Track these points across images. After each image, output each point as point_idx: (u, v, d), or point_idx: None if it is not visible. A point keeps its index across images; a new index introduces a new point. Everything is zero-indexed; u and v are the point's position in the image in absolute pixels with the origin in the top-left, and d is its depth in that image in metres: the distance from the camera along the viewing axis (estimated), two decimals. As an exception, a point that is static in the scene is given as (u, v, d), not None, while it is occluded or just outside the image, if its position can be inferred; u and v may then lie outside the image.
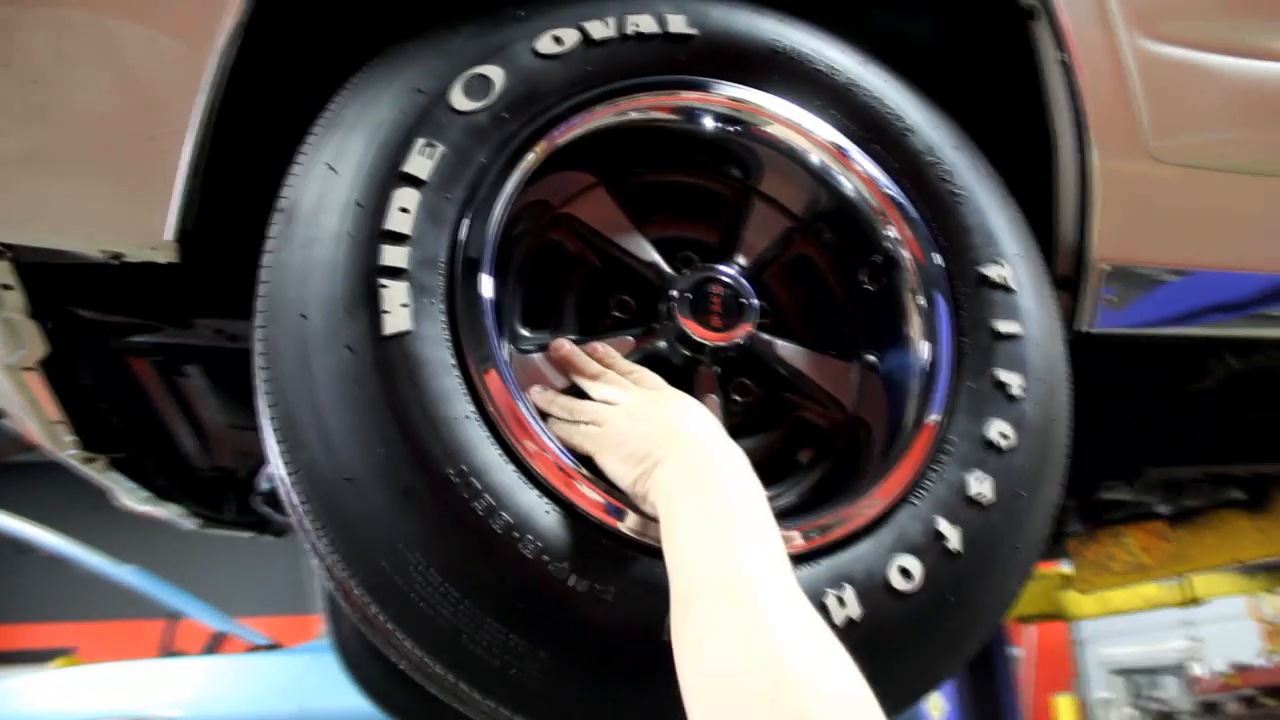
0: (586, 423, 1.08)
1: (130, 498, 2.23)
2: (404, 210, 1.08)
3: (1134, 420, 1.89)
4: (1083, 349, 1.60)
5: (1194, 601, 3.84)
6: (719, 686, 0.79)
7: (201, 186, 1.19)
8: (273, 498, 1.95)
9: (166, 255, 1.18)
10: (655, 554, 1.04)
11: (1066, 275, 1.47)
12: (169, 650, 5.31)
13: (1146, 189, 1.48)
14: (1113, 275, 1.47)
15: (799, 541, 1.10)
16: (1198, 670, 8.57)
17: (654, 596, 1.02)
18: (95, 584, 5.77)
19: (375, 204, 1.07)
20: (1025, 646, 10.53)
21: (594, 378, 1.14)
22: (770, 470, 1.28)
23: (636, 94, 1.22)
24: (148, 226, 1.18)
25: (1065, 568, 4.53)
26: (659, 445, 1.02)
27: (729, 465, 0.99)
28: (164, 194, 1.17)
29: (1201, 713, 7.88)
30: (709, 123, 1.27)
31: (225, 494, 2.40)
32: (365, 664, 2.77)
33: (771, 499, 1.24)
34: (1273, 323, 1.59)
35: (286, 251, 1.08)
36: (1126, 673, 9.38)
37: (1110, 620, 9.60)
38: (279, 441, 1.04)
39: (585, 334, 1.26)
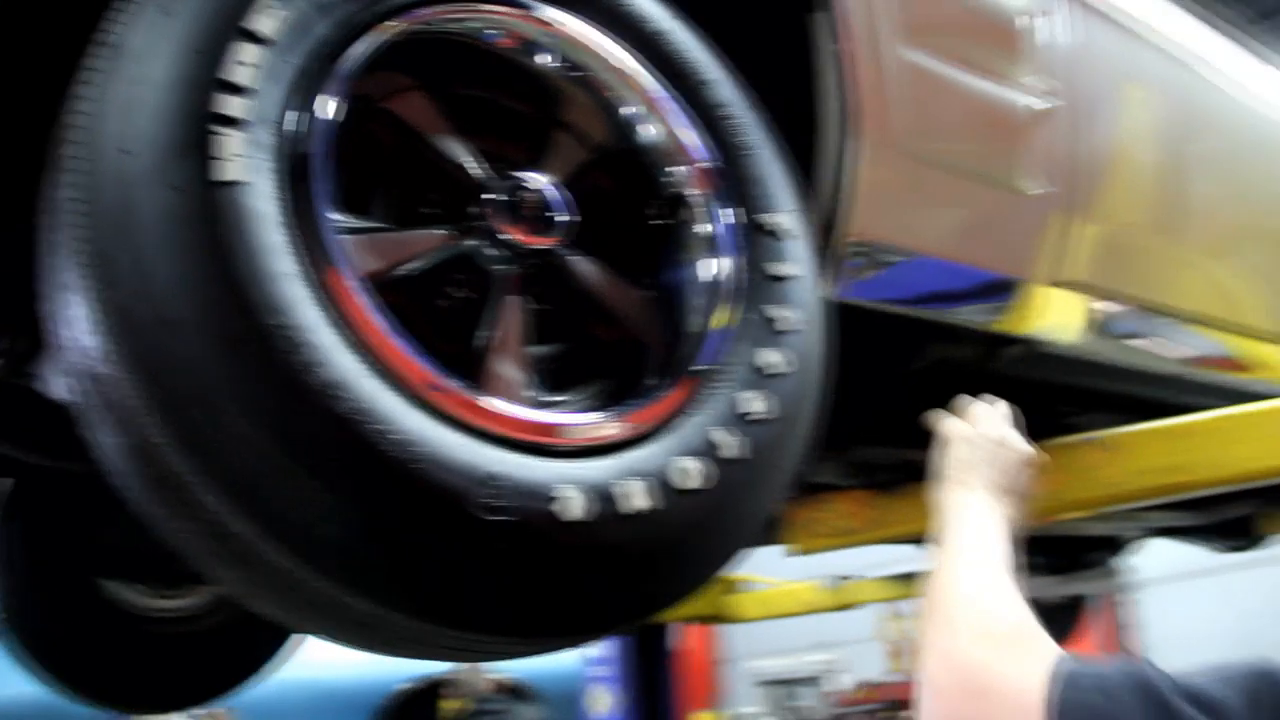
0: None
1: None
2: (244, 64, 1.07)
3: (856, 398, 2.10)
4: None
5: (847, 605, 4.19)
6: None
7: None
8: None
9: None
10: (463, 426, 1.09)
11: (819, 245, 1.63)
12: None
13: (893, 178, 1.67)
14: (858, 250, 1.64)
15: (608, 430, 1.18)
16: (834, 684, 9.31)
17: (462, 464, 1.06)
18: None
19: (215, 53, 1.06)
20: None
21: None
22: (559, 377, 1.35)
23: (463, 1, 1.27)
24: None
25: (730, 573, 4.83)
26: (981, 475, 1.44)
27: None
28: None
29: (835, 723, 8.58)
30: (523, 42, 1.33)
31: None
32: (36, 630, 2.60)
33: (563, 402, 1.31)
34: (980, 314, 1.83)
35: (111, 87, 1.04)
36: (770, 684, 10.04)
37: (758, 638, 10.25)
38: (88, 278, 1.00)
39: (392, 224, 1.29)
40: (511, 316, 1.26)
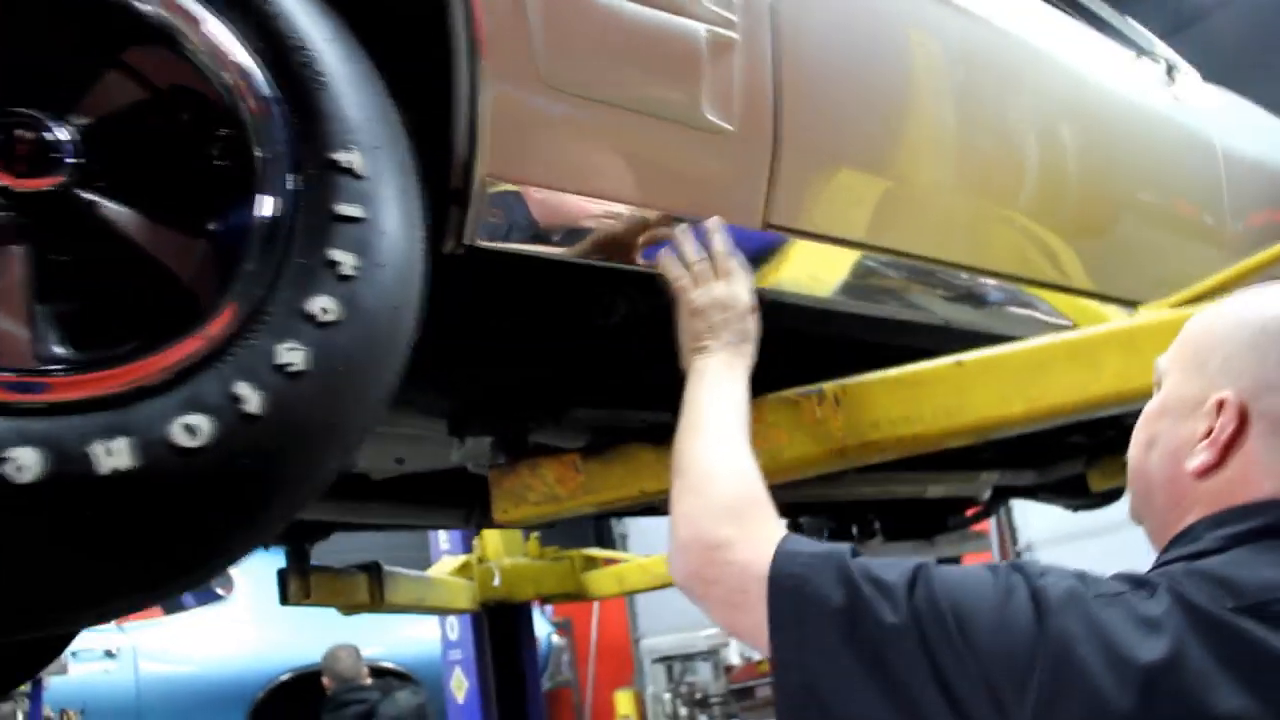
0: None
1: None
2: None
3: (553, 358, 2.00)
4: (493, 278, 1.67)
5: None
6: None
7: None
8: None
9: None
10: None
11: (458, 188, 1.52)
12: None
13: (537, 113, 1.56)
14: (499, 192, 1.54)
15: (96, 384, 1.07)
16: (730, 658, 9.24)
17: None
18: None
19: None
20: (583, 641, 11.01)
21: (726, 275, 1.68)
22: (90, 331, 1.23)
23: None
24: None
25: (588, 550, 4.76)
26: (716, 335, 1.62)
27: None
28: None
29: (732, 699, 8.52)
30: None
31: None
32: None
33: (86, 362, 1.19)
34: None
35: None
36: (666, 660, 9.96)
37: (658, 613, 10.13)
38: None
39: None
40: (10, 268, 1.14)
